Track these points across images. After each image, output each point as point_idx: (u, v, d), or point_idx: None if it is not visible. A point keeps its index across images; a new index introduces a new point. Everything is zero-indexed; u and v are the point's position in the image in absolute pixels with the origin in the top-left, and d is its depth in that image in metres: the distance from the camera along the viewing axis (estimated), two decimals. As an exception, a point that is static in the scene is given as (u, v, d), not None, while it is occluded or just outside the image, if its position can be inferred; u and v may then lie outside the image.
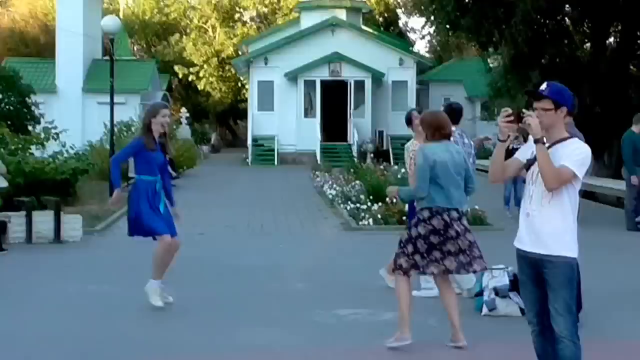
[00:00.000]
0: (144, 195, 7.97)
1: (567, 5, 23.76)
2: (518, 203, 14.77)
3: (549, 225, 4.74)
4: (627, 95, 23.51)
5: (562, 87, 4.82)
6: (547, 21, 23.55)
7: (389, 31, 48.95)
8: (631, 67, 25.22)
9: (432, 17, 24.62)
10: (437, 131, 6.69)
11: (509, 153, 4.98)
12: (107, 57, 27.60)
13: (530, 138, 4.77)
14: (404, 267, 6.64)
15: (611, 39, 25.33)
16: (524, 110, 4.75)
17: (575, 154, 4.72)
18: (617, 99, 21.70)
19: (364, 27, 38.03)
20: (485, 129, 30.58)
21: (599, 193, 18.74)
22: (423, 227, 6.57)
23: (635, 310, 8.23)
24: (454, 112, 8.41)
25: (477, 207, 13.99)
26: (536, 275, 4.84)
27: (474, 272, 6.96)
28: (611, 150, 21.96)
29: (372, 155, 31.52)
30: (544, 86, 4.82)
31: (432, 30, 31.05)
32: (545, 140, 4.71)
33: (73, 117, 31.79)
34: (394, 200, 8.11)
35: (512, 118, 4.73)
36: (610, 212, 16.87)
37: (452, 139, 6.92)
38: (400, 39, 46.05)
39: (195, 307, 8.20)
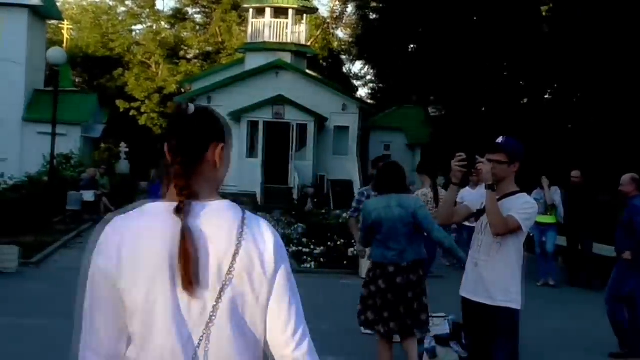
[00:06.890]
0: None
1: (506, 62, 24.45)
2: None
3: (496, 275, 4.76)
4: (563, 151, 24.14)
5: (518, 142, 4.88)
6: (488, 76, 24.17)
7: (333, 76, 49.46)
8: (568, 125, 25.96)
9: (375, 63, 25.04)
10: None
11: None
12: (49, 88, 27.33)
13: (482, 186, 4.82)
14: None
15: (547, 96, 26.11)
16: (477, 156, 4.81)
17: (523, 208, 4.76)
18: (553, 154, 22.35)
19: (308, 71, 38.33)
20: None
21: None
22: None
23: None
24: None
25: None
26: (481, 324, 4.87)
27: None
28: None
29: (312, 198, 31.66)
30: (501, 139, 4.88)
31: (372, 74, 31.47)
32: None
33: (12, 147, 31.32)
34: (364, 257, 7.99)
35: (466, 162, 4.78)
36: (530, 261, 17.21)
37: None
38: (343, 85, 46.53)
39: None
